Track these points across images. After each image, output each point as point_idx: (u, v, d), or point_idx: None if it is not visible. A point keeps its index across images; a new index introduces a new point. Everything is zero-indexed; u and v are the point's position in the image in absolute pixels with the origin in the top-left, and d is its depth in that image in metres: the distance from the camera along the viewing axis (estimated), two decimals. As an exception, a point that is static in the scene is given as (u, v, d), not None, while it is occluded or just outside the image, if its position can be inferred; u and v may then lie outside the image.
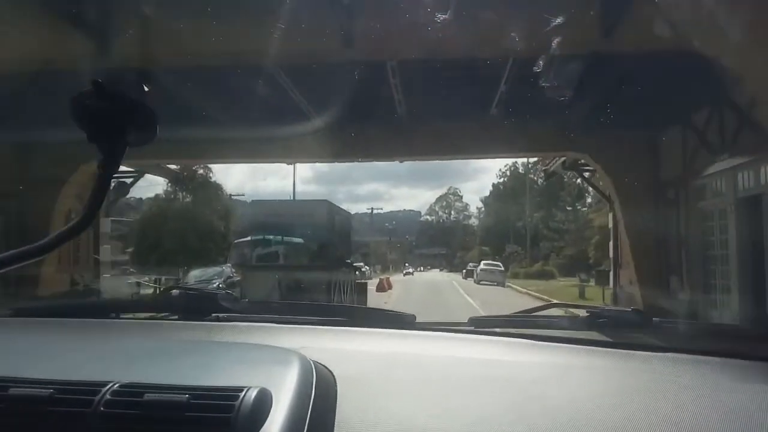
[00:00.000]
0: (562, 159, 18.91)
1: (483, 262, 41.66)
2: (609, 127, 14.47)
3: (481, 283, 36.83)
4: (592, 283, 25.56)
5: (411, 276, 63.26)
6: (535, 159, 60.08)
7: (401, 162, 18.21)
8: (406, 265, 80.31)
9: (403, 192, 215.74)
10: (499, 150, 15.68)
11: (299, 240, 19.59)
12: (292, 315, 1.43)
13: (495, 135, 15.18)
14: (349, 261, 17.73)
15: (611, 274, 18.48)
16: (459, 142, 15.54)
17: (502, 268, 39.22)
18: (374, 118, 14.94)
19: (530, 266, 48.59)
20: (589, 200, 59.27)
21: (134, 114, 0.89)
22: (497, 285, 35.47)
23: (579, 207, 58.51)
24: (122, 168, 19.88)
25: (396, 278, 47.72)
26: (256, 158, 15.60)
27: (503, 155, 18.05)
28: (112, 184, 19.19)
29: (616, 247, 18.22)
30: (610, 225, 18.80)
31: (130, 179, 20.09)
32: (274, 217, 19.75)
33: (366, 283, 16.85)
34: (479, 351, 1.08)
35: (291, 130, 15.39)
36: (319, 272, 12.25)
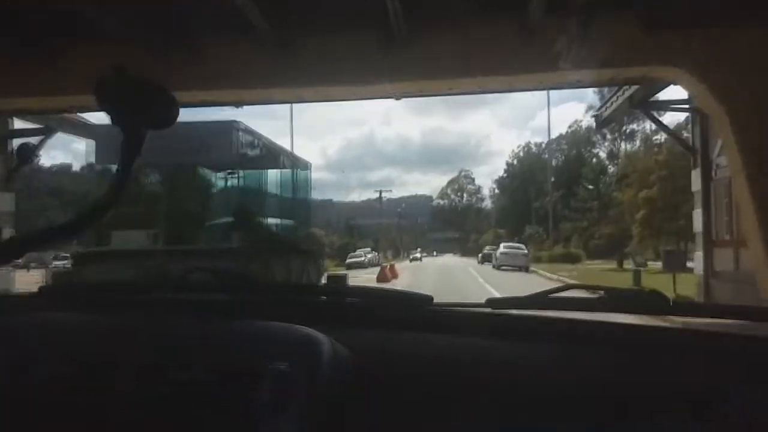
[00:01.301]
0: (632, 90, 12.74)
1: (503, 244, 35.47)
2: (726, 21, 8.26)
3: (501, 268, 31.10)
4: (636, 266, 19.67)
5: (419, 262, 55.95)
6: (550, 139, 57.03)
7: (397, 99, 11.94)
8: (419, 249, 74.21)
9: (416, 177, 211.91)
10: (543, 68, 9.62)
11: (185, 202, 12.17)
12: (309, 294, 1.36)
13: (537, 45, 8.95)
14: (305, 245, 11.22)
15: (701, 255, 12.39)
16: (482, 60, 9.33)
17: (526, 251, 33.19)
18: (354, 28, 8.83)
19: (553, 249, 42.50)
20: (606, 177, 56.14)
21: (156, 98, 0.92)
22: (520, 270, 29.64)
23: (601, 184, 53.34)
24: (23, 125, 14.21)
25: (403, 265, 41.66)
26: (177, 90, 10.02)
27: (550, 79, 11.21)
28: (14, 147, 12.86)
29: (708, 219, 12.14)
30: (697, 188, 12.72)
31: (37, 139, 14.17)
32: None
33: (344, 277, 10.70)
34: (497, 332, 1.03)
35: (228, 50, 9.49)
36: (225, 261, 6.26)
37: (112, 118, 0.91)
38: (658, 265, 22.72)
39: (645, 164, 31.01)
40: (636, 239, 26.83)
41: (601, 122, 14.86)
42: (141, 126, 0.93)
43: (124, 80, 0.89)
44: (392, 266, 25.43)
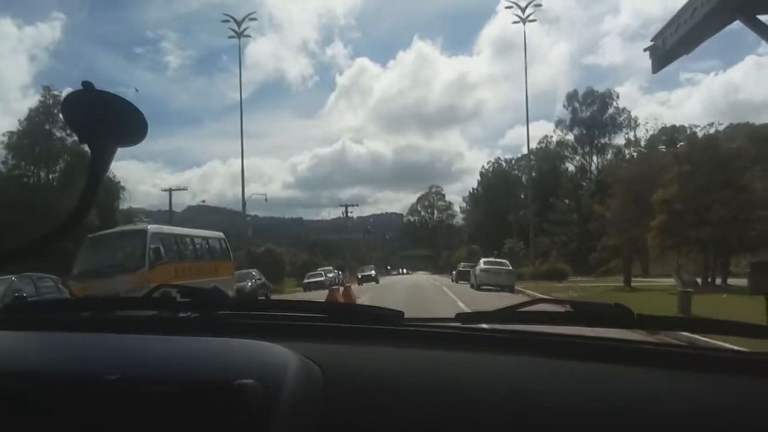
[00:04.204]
0: (712, 3, 6.79)
1: (484, 260, 28.96)
2: None
3: (482, 288, 24.87)
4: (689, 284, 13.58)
5: (374, 283, 41.27)
6: (528, 150, 52.65)
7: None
8: (389, 267, 67.23)
9: (388, 195, 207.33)
10: None
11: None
12: (279, 311, 1.30)
13: None
14: None
15: None
16: None
17: (511, 268, 26.95)
18: None
19: (536, 264, 36.53)
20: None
21: (124, 115, 0.87)
22: (504, 290, 23.59)
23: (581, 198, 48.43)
24: None
25: (358, 288, 34.56)
26: None
27: None
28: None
29: None
30: None
31: None
32: None
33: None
34: (466, 347, 1.01)
35: None
36: None
37: (79, 136, 0.87)
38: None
39: (629, 172, 26.08)
40: (654, 251, 20.89)
41: (662, 56, 8.75)
42: (109, 143, 0.88)
43: (91, 97, 0.85)
44: (347, 289, 18.87)
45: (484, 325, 1.10)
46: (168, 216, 40.89)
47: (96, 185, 0.91)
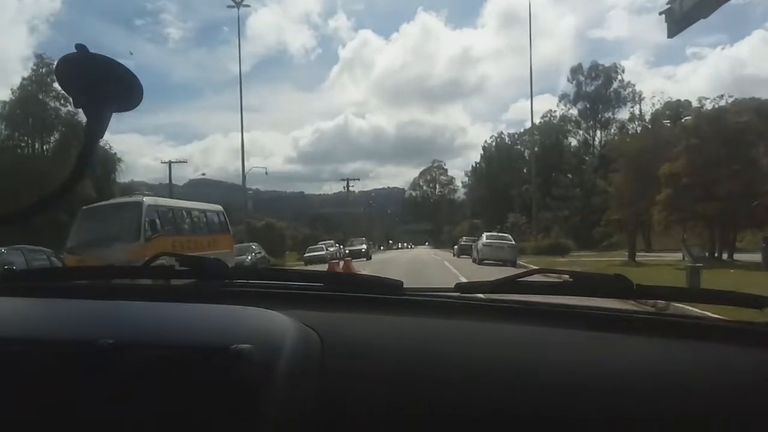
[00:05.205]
0: None
1: (486, 234, 28.75)
2: None
3: (483, 262, 24.54)
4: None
5: (366, 260, 34.12)
6: (532, 124, 52.01)
7: None
8: (391, 242, 66.99)
9: (390, 170, 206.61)
10: None
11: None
12: (279, 280, 1.27)
13: None
14: None
15: None
16: None
17: (513, 242, 26.72)
18: None
19: (538, 238, 36.16)
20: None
21: (119, 79, 0.86)
22: (506, 264, 23.28)
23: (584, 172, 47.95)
24: None
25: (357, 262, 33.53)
26: None
27: None
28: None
29: None
30: None
31: None
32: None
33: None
34: (465, 316, 1.01)
35: None
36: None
37: (74, 99, 0.85)
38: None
39: (634, 146, 25.58)
40: (660, 225, 20.52)
41: (679, 19, 8.25)
42: (104, 108, 0.86)
43: (85, 60, 0.83)
44: (347, 262, 18.50)
45: (483, 295, 1.09)
46: (168, 189, 40.58)
47: (91, 150, 0.90)
